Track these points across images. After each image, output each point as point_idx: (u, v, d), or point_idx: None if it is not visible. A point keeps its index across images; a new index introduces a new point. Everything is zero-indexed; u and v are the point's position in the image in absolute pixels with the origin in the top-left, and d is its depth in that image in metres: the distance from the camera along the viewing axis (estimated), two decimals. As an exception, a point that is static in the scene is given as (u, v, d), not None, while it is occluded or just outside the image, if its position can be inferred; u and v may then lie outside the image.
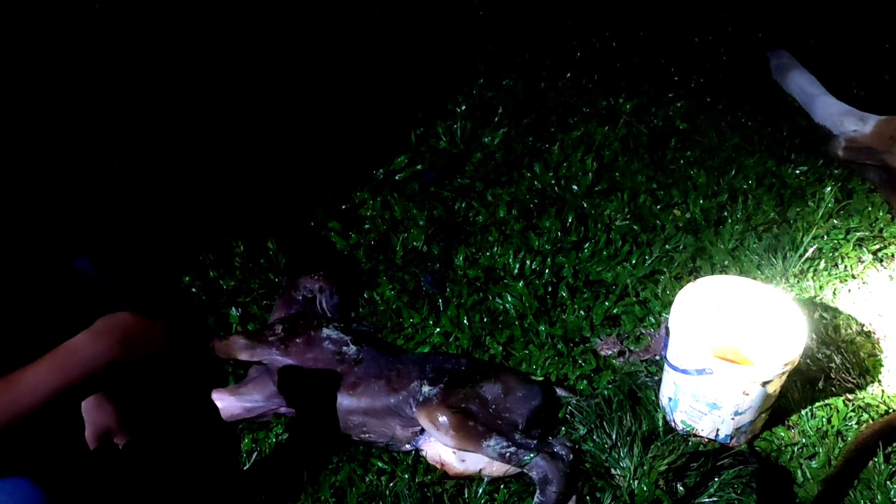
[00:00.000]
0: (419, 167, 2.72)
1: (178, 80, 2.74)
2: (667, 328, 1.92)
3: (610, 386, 2.06)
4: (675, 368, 1.90)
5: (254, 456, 1.94)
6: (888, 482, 1.86)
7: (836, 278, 2.38)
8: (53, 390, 1.23)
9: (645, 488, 1.84)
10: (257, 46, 2.95)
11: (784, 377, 1.84)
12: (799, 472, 1.90)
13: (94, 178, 2.39)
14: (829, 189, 2.62)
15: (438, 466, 1.88)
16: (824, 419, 1.99)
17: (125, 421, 1.51)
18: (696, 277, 2.33)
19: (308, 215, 2.54)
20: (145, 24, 2.63)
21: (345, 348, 2.01)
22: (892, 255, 2.46)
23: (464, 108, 2.98)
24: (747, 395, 1.83)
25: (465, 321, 2.23)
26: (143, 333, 1.36)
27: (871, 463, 1.89)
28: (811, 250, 2.42)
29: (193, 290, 2.30)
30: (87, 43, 2.43)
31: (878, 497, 1.83)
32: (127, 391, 1.43)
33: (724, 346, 2.02)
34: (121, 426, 1.51)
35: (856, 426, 1.98)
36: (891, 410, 2.02)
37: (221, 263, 2.37)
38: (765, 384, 1.81)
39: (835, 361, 2.11)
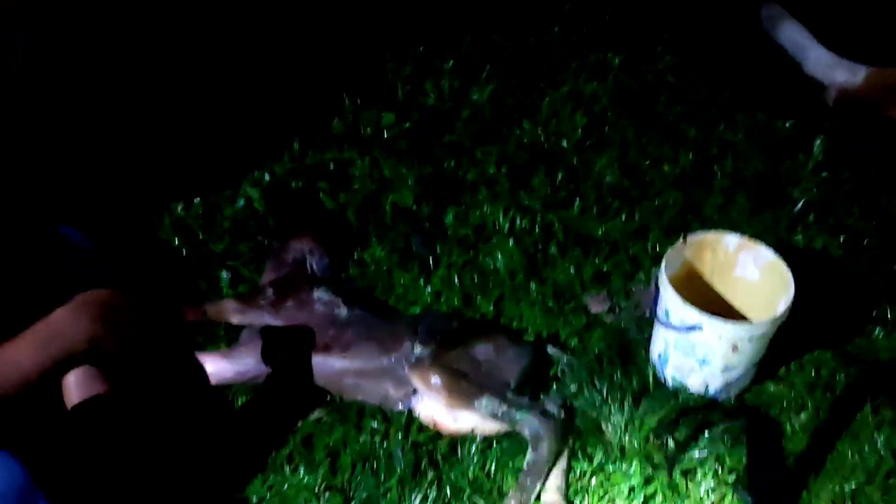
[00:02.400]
0: (407, 125, 2.69)
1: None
2: (656, 285, 1.92)
3: (601, 343, 2.07)
4: (664, 325, 1.91)
5: (246, 419, 1.94)
6: (875, 433, 1.88)
7: (826, 230, 2.38)
8: (33, 367, 1.22)
9: (636, 443, 1.86)
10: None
11: (773, 332, 1.85)
12: (788, 425, 1.91)
13: (71, 138, 2.36)
14: (818, 142, 2.60)
15: (431, 425, 1.89)
16: (812, 372, 2.01)
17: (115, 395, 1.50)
18: (685, 233, 2.34)
19: (295, 175, 2.52)
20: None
21: (336, 310, 2.01)
22: (886, 209, 2.46)
23: (451, 63, 2.95)
24: (736, 350, 1.84)
25: (455, 280, 2.23)
26: (125, 310, 1.35)
27: (858, 414, 1.92)
28: (800, 204, 2.43)
29: (183, 252, 2.29)
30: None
31: (866, 448, 1.85)
32: (116, 368, 1.41)
33: (713, 301, 2.03)
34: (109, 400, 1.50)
35: (844, 379, 1.99)
36: (879, 363, 2.04)
37: (209, 226, 2.35)
38: (754, 340, 1.83)
39: (824, 314, 2.13)
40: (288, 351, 1.95)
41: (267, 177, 2.47)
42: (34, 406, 1.33)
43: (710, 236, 2.00)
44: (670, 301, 1.85)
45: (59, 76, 2.36)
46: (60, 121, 2.37)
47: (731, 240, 1.99)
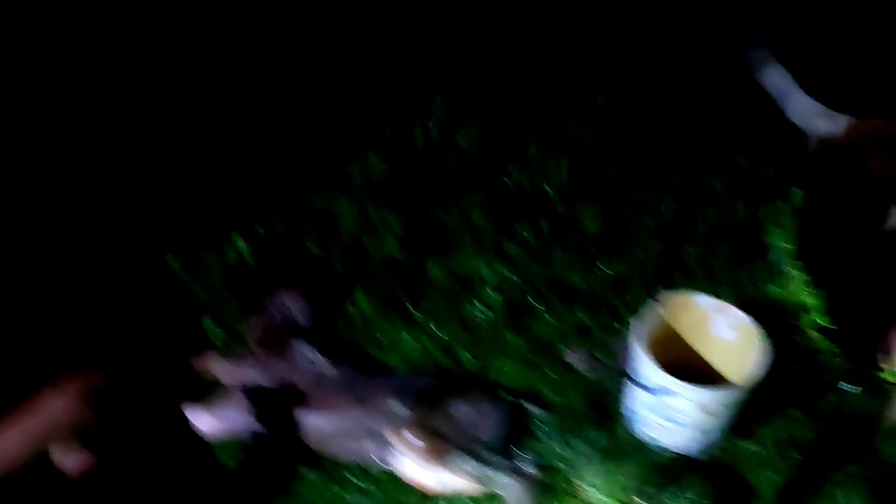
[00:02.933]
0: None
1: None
2: (629, 343, 1.96)
3: (577, 398, 2.12)
4: (637, 384, 1.95)
5: (230, 474, 1.99)
6: (842, 492, 1.92)
7: (804, 283, 2.41)
8: (19, 453, 1.28)
9: (608, 501, 1.90)
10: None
11: (747, 396, 1.89)
12: (757, 483, 1.96)
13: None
14: (799, 190, 2.64)
15: (415, 486, 1.94)
16: (782, 430, 2.05)
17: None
18: (666, 284, 2.39)
19: (282, 218, 2.56)
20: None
21: (321, 367, 2.06)
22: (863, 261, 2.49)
23: (440, 104, 2.99)
24: (709, 413, 1.89)
25: (438, 332, 2.28)
26: (109, 393, 1.40)
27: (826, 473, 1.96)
28: (779, 254, 2.47)
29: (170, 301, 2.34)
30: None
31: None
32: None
33: (690, 359, 2.07)
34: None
35: (813, 436, 2.04)
36: (853, 420, 2.08)
37: (196, 273, 2.40)
38: (726, 405, 1.87)
39: (799, 370, 2.17)
40: (272, 408, 1.99)
41: (261, 230, 2.50)
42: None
43: (684, 297, 2.04)
44: (642, 363, 1.90)
45: (58, 76, 2.39)
46: (59, 121, 2.40)
47: (706, 301, 2.03)
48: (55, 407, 1.34)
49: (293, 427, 1.98)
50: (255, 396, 2.01)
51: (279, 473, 1.99)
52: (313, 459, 2.02)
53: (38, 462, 1.45)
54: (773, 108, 3.00)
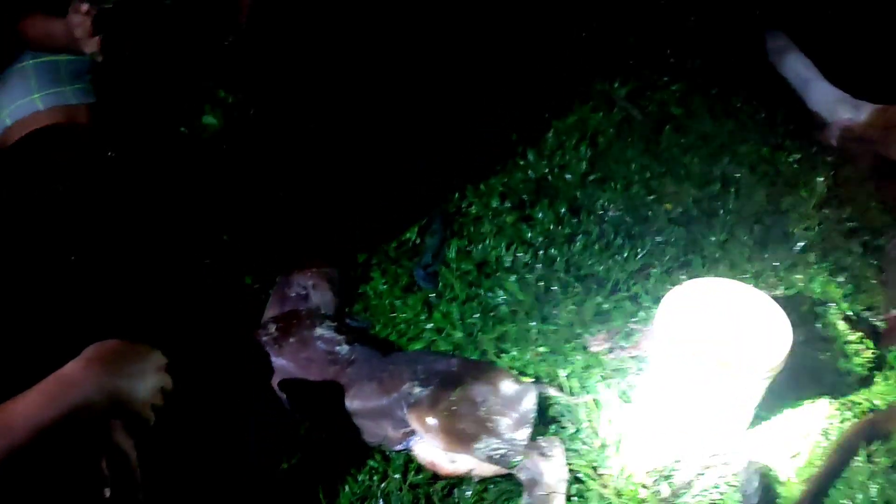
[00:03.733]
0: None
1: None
2: (654, 329, 1.94)
3: (599, 384, 2.09)
4: (660, 370, 1.93)
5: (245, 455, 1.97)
6: (869, 481, 1.90)
7: (825, 270, 2.39)
8: (47, 422, 1.25)
9: (631, 488, 1.88)
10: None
11: (770, 380, 1.86)
12: (782, 471, 1.93)
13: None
14: (821, 179, 2.62)
15: (429, 467, 1.92)
16: (809, 418, 2.02)
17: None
18: (687, 271, 2.37)
19: (300, 208, 2.54)
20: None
21: (337, 348, 2.04)
22: (882, 247, 2.47)
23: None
24: (732, 398, 1.86)
25: (457, 316, 2.26)
26: (135, 358, 1.38)
27: (853, 462, 1.93)
28: (801, 243, 2.44)
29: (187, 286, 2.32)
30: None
31: (860, 496, 1.87)
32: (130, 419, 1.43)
33: (710, 349, 2.04)
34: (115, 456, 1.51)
35: (839, 425, 2.01)
36: (875, 409, 2.05)
37: (214, 258, 2.38)
38: (749, 389, 1.84)
39: (820, 358, 2.15)
40: (289, 389, 1.97)
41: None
42: (53, 460, 1.36)
43: (708, 282, 2.01)
44: (666, 348, 1.87)
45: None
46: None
47: (730, 285, 2.00)
48: (82, 374, 1.31)
49: (310, 408, 1.96)
50: (271, 377, 1.99)
51: (294, 455, 1.97)
52: (329, 440, 1.99)
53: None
54: (793, 96, 2.99)
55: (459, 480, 1.91)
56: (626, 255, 2.41)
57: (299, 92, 2.90)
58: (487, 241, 2.45)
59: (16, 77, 2.10)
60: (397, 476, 1.92)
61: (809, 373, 2.09)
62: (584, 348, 2.19)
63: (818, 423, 2.01)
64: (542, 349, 2.17)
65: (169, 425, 1.59)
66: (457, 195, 2.62)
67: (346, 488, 1.90)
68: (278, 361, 2.02)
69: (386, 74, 3.01)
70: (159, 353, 1.47)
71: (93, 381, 1.31)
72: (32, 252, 2.10)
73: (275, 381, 1.99)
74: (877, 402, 2.07)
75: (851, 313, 2.27)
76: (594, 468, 1.93)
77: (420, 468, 1.93)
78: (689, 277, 2.27)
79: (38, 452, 1.26)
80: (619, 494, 1.88)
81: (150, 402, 1.41)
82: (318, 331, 2.07)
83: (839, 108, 2.77)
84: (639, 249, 2.43)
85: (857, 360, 2.16)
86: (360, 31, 3.03)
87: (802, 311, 2.25)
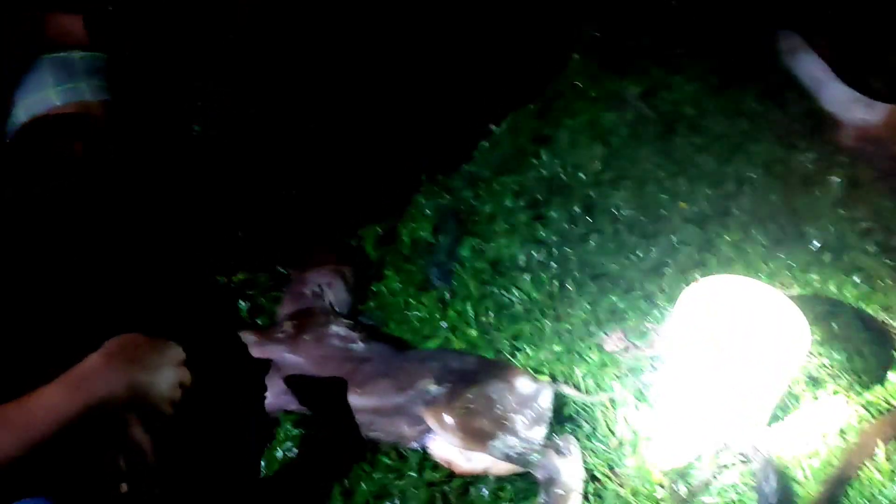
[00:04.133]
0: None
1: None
2: (670, 327, 1.93)
3: (615, 382, 2.09)
4: (677, 367, 1.92)
5: (262, 453, 1.97)
6: (888, 482, 1.89)
7: (841, 270, 2.38)
8: (68, 415, 1.24)
9: (648, 487, 1.87)
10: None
11: (787, 380, 1.86)
12: (800, 471, 1.92)
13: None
14: (836, 179, 2.61)
15: (445, 465, 1.91)
16: (826, 417, 2.01)
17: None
18: (701, 271, 2.36)
19: (315, 206, 2.54)
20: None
21: (352, 345, 2.03)
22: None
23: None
24: (749, 397, 1.85)
25: (471, 315, 2.25)
26: (155, 352, 1.38)
27: (871, 462, 1.92)
28: (817, 243, 2.43)
29: (203, 283, 2.31)
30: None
31: (878, 497, 1.86)
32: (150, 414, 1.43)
33: (726, 347, 2.03)
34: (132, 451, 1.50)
35: (857, 425, 2.00)
36: (893, 409, 2.04)
37: (230, 256, 2.38)
38: (766, 389, 1.83)
39: (838, 358, 2.14)
40: (304, 386, 1.97)
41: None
42: (73, 453, 1.35)
43: (724, 280, 2.00)
44: (682, 347, 1.86)
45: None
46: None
47: (746, 283, 1.99)
48: (104, 367, 1.30)
49: (326, 406, 1.95)
50: (287, 375, 1.98)
51: (310, 452, 1.96)
52: (345, 438, 1.98)
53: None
54: (806, 96, 2.98)
55: (475, 479, 1.90)
56: (640, 254, 2.40)
57: (310, 91, 2.90)
58: (501, 240, 2.44)
59: (30, 72, 2.10)
60: (413, 474, 1.91)
61: (826, 372, 2.09)
62: (599, 347, 2.18)
63: (836, 423, 2.00)
64: (557, 348, 2.16)
65: (186, 421, 1.59)
66: (470, 194, 2.61)
67: (363, 485, 1.89)
68: (293, 359, 2.01)
69: (398, 72, 3.01)
70: (178, 348, 1.47)
71: (113, 375, 1.31)
72: (42, 247, 2.10)
73: (289, 379, 1.98)
74: (894, 402, 2.05)
75: (867, 313, 2.26)
76: (611, 467, 1.92)
77: (436, 466, 1.93)
78: (704, 276, 2.26)
79: (58, 446, 1.25)
80: (635, 493, 1.87)
81: (168, 397, 1.41)
82: (333, 328, 2.07)
83: (853, 109, 2.76)
84: (653, 248, 2.42)
85: (873, 360, 2.14)
86: (372, 27, 3.03)
87: (818, 311, 2.24)
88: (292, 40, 2.80)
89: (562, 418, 2.00)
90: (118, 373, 1.32)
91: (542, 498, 1.82)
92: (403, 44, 3.10)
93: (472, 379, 1.94)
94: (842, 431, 1.99)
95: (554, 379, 2.07)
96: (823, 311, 2.26)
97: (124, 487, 1.45)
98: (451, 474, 1.91)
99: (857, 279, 2.36)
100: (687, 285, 2.01)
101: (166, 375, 1.40)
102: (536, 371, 2.10)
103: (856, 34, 3.05)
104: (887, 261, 2.42)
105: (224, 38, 2.61)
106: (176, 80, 2.52)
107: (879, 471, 1.90)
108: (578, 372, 2.11)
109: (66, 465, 1.33)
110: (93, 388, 1.29)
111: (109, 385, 1.30)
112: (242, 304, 2.27)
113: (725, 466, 1.93)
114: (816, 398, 2.05)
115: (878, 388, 2.09)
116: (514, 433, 1.86)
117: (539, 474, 1.84)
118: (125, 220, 2.29)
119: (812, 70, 3.00)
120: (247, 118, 2.74)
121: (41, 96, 2.05)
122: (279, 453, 1.95)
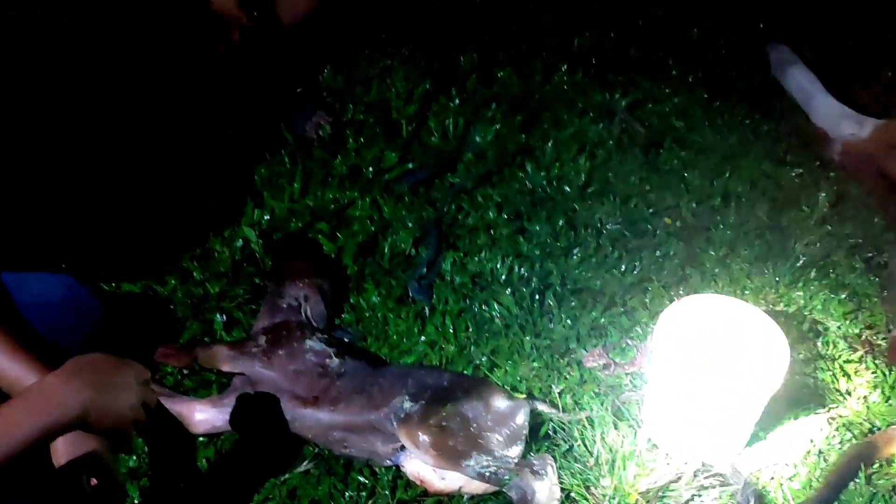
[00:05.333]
0: (410, 165, 2.69)
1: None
2: (651, 345, 1.91)
3: (594, 400, 2.05)
4: (656, 387, 1.89)
5: (231, 469, 1.93)
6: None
7: (826, 287, 2.36)
8: (26, 438, 1.22)
9: (626, 507, 1.84)
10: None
11: (767, 399, 1.83)
12: (780, 493, 1.89)
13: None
14: (823, 195, 2.59)
15: (418, 483, 1.88)
16: (807, 438, 1.98)
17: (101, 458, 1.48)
18: (685, 286, 2.33)
19: (294, 215, 2.51)
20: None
21: (328, 360, 2.00)
22: (885, 264, 2.43)
23: (457, 102, 2.94)
24: (729, 417, 1.82)
25: (450, 330, 2.22)
26: (116, 374, 1.35)
27: (852, 484, 1.89)
28: (802, 259, 2.41)
29: (179, 294, 2.28)
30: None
31: (859, 519, 1.83)
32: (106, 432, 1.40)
33: (707, 367, 2.01)
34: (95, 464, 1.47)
35: (838, 446, 1.97)
36: (875, 430, 2.01)
37: (206, 267, 2.35)
38: (747, 407, 1.81)
39: (820, 377, 2.11)
40: (277, 402, 1.94)
41: (266, 217, 2.46)
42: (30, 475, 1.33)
43: (706, 298, 1.97)
44: (662, 365, 1.84)
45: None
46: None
47: (727, 302, 1.96)
48: (63, 390, 1.28)
49: (299, 422, 1.92)
50: (260, 389, 1.95)
51: (282, 469, 1.93)
52: (317, 455, 1.95)
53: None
54: (795, 110, 2.96)
55: (449, 498, 1.87)
56: (623, 269, 2.37)
57: (298, 93, 2.88)
58: (483, 254, 2.41)
59: None
60: (386, 492, 1.88)
61: (809, 391, 2.06)
62: (579, 364, 2.15)
63: (817, 444, 1.97)
64: (535, 364, 2.13)
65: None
66: (453, 206, 2.58)
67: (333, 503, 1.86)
68: (266, 373, 1.98)
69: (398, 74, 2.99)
70: (141, 368, 1.45)
71: (73, 396, 1.28)
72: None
73: (260, 395, 1.95)
74: (877, 422, 2.02)
75: (852, 331, 2.23)
76: (587, 487, 1.88)
77: (409, 484, 1.89)
78: (688, 292, 2.25)
79: (17, 466, 1.23)
80: (611, 514, 1.83)
81: (128, 417, 1.38)
82: (309, 343, 2.04)
83: (842, 124, 2.74)
84: (636, 264, 2.39)
85: (857, 379, 2.12)
86: (359, 30, 3.02)
87: (803, 329, 2.22)
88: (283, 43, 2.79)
89: (538, 436, 1.97)
90: (75, 393, 1.29)
91: (516, 518, 1.79)
92: (389, 50, 3.08)
93: (447, 396, 1.91)
94: (823, 452, 1.96)
95: (531, 396, 2.04)
96: (808, 328, 2.23)
97: None
98: (424, 493, 1.88)
99: (843, 296, 2.33)
100: (670, 301, 1.99)
101: (127, 395, 1.37)
102: (514, 388, 2.07)
103: (845, 47, 3.03)
104: (874, 278, 2.40)
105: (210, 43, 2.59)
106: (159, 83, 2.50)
107: (861, 493, 1.87)
108: (557, 389, 2.07)
109: (26, 486, 1.30)
110: (52, 409, 1.26)
111: (69, 406, 1.28)
112: (218, 317, 2.23)
113: (704, 488, 1.89)
114: (797, 418, 2.02)
115: (860, 408, 2.06)
116: (489, 452, 1.83)
117: (514, 494, 1.81)
118: (102, 220, 2.27)
119: (801, 82, 2.98)
120: (223, 125, 2.71)
121: None
122: (249, 469, 1.92)
